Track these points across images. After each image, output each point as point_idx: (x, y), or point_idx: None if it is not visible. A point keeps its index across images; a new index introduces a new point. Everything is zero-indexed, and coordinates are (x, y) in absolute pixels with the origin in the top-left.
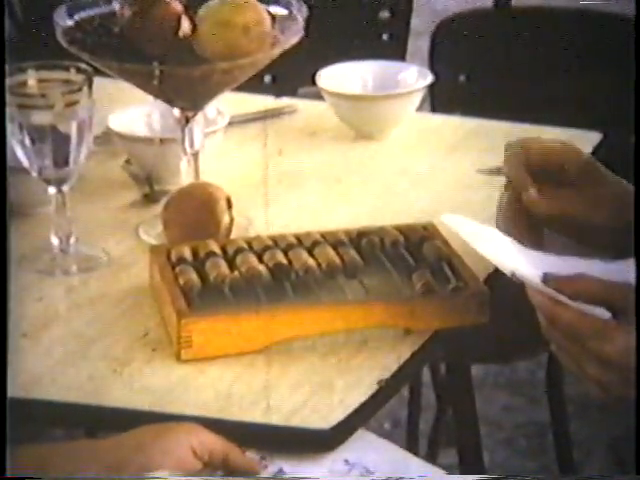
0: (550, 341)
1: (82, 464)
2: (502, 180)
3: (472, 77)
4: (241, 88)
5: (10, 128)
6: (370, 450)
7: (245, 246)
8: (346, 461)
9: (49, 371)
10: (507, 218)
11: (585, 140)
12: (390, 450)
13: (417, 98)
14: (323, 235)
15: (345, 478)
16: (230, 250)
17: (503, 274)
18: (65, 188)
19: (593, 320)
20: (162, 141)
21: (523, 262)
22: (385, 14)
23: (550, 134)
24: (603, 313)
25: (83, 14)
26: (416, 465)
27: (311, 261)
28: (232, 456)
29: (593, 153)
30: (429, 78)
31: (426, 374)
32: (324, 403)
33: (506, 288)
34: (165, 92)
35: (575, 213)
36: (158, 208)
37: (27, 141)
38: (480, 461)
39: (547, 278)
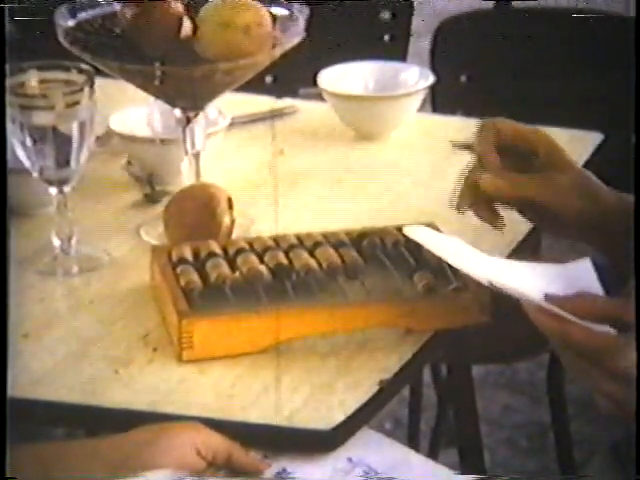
0: (561, 358)
1: (84, 463)
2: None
3: (473, 77)
4: (242, 89)
5: (11, 129)
6: (373, 448)
7: (246, 246)
8: (349, 459)
9: (50, 371)
10: (467, 195)
11: (585, 140)
12: (393, 448)
13: (418, 99)
14: (324, 235)
15: (348, 476)
16: (231, 251)
17: None
18: (66, 189)
19: (604, 337)
20: (163, 142)
21: (498, 272)
22: (386, 15)
23: (550, 134)
24: (608, 330)
25: (84, 14)
26: (418, 462)
27: (312, 262)
28: (236, 455)
29: (594, 153)
30: (430, 79)
31: (427, 374)
32: (325, 404)
33: None
34: (166, 93)
35: (535, 198)
36: (159, 209)
37: (28, 142)
38: (481, 461)
39: (549, 298)
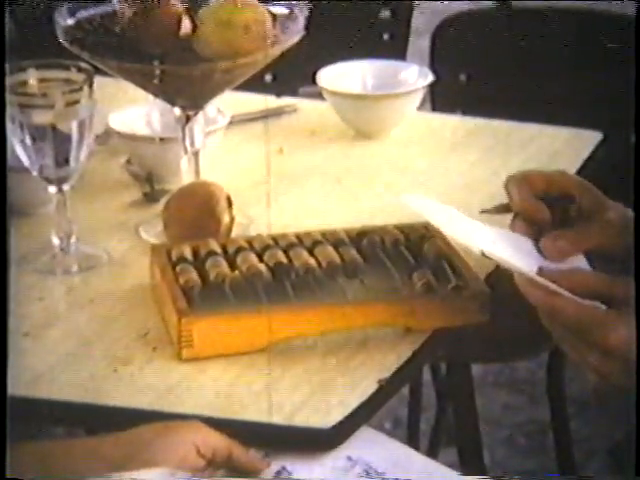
0: (551, 331)
1: (84, 461)
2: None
3: (472, 77)
4: (242, 87)
5: (11, 127)
6: (372, 446)
7: (246, 245)
8: (349, 458)
9: (50, 370)
10: None
11: (585, 140)
12: (392, 446)
13: (417, 97)
14: (324, 234)
15: (348, 475)
16: (231, 249)
17: (503, 273)
18: (66, 187)
19: (594, 311)
20: (162, 140)
21: (492, 242)
22: (385, 14)
23: (550, 134)
24: (599, 306)
25: (84, 13)
26: (418, 461)
27: (312, 260)
28: (235, 454)
29: (593, 153)
30: (429, 77)
31: (426, 373)
32: (324, 403)
33: (506, 287)
34: (166, 91)
35: (596, 246)
36: (158, 207)
37: (28, 140)
38: (480, 460)
39: (542, 272)
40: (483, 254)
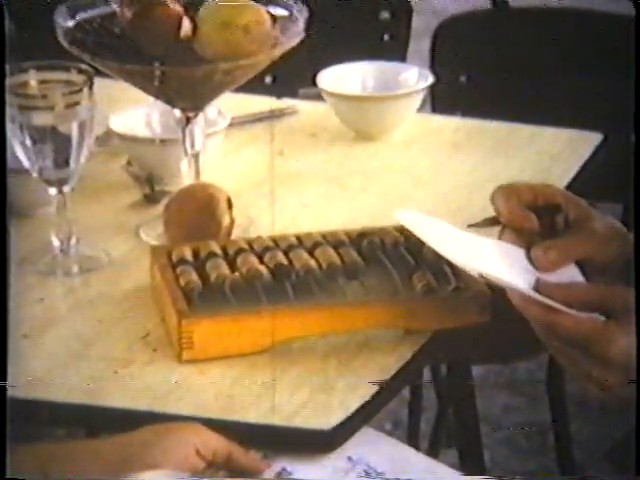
0: (548, 346)
1: (84, 464)
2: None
3: (473, 78)
4: (242, 89)
5: (11, 128)
6: (373, 447)
7: (246, 247)
8: (349, 458)
9: (50, 371)
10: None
11: (585, 140)
12: (393, 446)
13: (418, 99)
14: (324, 236)
15: (348, 475)
16: (231, 251)
17: None
18: (66, 189)
19: (593, 323)
20: (163, 142)
21: (486, 257)
22: (386, 15)
23: (550, 135)
24: (597, 318)
25: (84, 14)
26: (418, 460)
27: (312, 262)
28: (235, 456)
29: (594, 153)
30: (430, 79)
31: (427, 374)
32: (325, 404)
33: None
34: (166, 93)
35: (587, 255)
36: (159, 209)
37: (28, 142)
38: (481, 461)
39: (538, 285)
40: (481, 276)
